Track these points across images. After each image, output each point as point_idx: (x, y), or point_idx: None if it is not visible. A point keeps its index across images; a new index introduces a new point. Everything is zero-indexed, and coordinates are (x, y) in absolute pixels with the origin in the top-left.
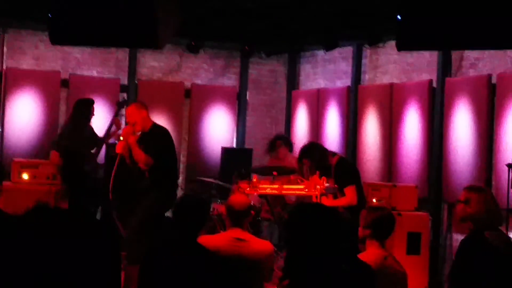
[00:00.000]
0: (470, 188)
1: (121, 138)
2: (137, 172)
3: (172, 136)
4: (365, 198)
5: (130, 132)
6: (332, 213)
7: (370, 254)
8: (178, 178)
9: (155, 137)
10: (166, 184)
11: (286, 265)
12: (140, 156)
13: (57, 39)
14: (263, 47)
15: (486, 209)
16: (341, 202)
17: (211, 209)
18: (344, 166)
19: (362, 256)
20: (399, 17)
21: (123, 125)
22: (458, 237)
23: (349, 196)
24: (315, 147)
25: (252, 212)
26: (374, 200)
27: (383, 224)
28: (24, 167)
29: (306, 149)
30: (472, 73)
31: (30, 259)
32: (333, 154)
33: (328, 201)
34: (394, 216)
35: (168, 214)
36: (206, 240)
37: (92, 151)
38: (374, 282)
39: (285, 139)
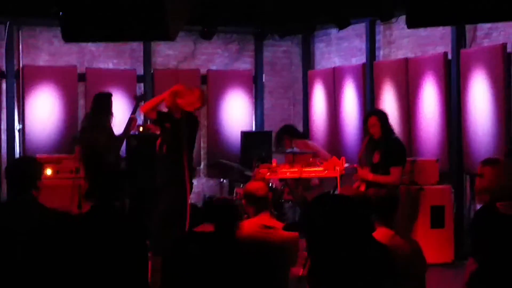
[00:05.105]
0: (484, 162)
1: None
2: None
3: None
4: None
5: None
6: (347, 204)
7: (377, 234)
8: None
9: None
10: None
11: (308, 252)
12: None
13: (70, 37)
14: (276, 29)
15: (499, 182)
16: (384, 179)
17: (234, 194)
18: (399, 145)
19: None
20: None
21: (140, 122)
22: None
23: (395, 176)
24: (385, 113)
25: (271, 193)
26: None
27: (383, 207)
28: (47, 162)
29: (377, 110)
30: (486, 43)
31: (75, 255)
32: (393, 130)
33: (370, 175)
34: (395, 196)
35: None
36: None
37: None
38: (389, 260)
39: (286, 130)
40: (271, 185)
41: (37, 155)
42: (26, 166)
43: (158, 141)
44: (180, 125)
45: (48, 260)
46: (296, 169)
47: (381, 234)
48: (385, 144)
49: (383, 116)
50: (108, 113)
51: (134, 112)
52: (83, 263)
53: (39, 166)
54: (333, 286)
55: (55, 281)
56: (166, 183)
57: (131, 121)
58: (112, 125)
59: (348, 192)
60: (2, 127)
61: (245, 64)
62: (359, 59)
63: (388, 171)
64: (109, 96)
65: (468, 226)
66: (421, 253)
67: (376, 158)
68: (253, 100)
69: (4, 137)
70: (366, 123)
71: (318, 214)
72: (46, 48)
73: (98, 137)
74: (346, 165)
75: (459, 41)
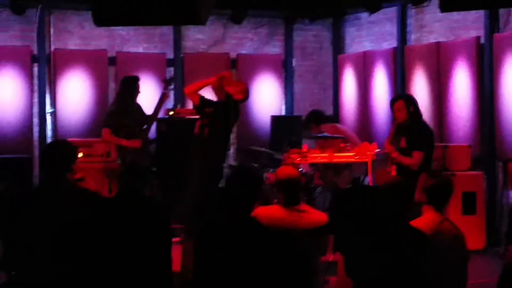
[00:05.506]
0: None
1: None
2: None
3: None
4: (430, 168)
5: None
6: (375, 196)
7: (425, 219)
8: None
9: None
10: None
11: (336, 242)
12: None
13: (101, 21)
14: (306, 13)
15: None
16: (405, 160)
17: (264, 179)
18: (425, 130)
19: (417, 221)
20: None
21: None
22: None
23: (415, 159)
24: (413, 98)
25: (303, 178)
26: None
27: (438, 192)
28: (78, 146)
29: (404, 94)
30: None
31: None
32: (421, 115)
33: (395, 153)
34: (451, 183)
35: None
36: (262, 211)
37: (144, 127)
38: (425, 248)
39: (312, 117)
40: (301, 170)
41: (69, 139)
42: (62, 149)
43: (198, 123)
44: (222, 110)
45: (84, 242)
46: (326, 154)
47: (429, 219)
48: (411, 128)
49: (410, 101)
50: (135, 97)
51: (163, 95)
52: (109, 244)
53: (75, 149)
54: (368, 280)
55: (85, 260)
56: (201, 165)
57: (163, 97)
58: (140, 108)
59: (382, 177)
60: (34, 110)
61: (275, 48)
62: (390, 43)
63: (411, 155)
64: (136, 79)
65: (501, 213)
66: (465, 242)
67: (402, 142)
68: (283, 85)
69: (36, 120)
70: (392, 107)
71: (347, 215)
72: (77, 32)
73: (124, 122)
74: (377, 150)
75: (492, 25)
